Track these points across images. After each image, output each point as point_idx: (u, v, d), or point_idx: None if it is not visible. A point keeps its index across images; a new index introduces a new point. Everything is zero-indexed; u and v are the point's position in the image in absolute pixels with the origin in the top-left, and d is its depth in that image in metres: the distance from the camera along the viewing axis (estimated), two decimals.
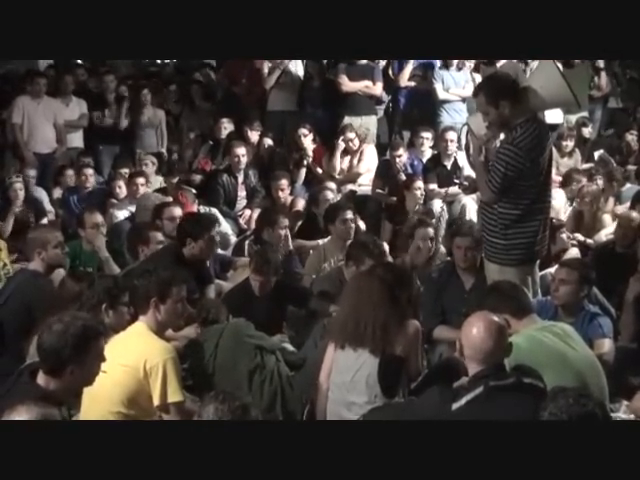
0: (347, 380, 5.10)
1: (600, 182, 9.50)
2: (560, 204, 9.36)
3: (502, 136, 6.12)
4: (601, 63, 12.14)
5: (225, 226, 8.90)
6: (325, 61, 11.72)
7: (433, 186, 9.69)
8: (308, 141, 10.69)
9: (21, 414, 3.53)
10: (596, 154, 11.04)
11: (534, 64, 9.18)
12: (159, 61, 16.40)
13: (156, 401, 4.85)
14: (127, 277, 6.02)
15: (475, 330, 4.36)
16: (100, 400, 4.77)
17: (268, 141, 10.98)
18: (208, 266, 7.34)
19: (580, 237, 8.61)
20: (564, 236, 7.96)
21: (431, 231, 7.42)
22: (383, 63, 11.60)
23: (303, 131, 10.68)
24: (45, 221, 9.01)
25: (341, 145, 10.40)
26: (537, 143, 5.92)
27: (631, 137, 11.33)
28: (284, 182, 9.68)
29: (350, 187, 10.22)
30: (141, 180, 9.49)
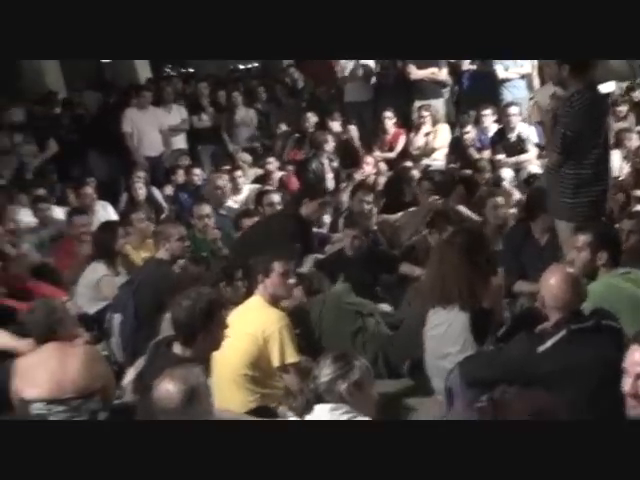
0: (441, 333, 5.13)
1: None
2: (616, 164, 9.28)
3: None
4: None
5: None
6: None
7: (501, 156, 9.68)
8: (391, 123, 10.80)
9: (171, 382, 3.66)
10: None
11: None
12: (242, 66, 16.60)
13: (275, 363, 5.00)
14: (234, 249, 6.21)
15: (554, 282, 4.40)
16: (228, 365, 4.93)
17: (352, 127, 11.12)
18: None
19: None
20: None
21: (500, 200, 7.40)
22: None
23: (388, 114, 10.78)
24: (163, 217, 9.20)
25: (423, 127, 10.48)
26: (594, 107, 5.87)
27: None
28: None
29: (426, 162, 10.27)
30: (239, 173, 9.72)
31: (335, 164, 10.15)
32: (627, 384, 3.28)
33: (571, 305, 4.36)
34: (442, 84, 11.40)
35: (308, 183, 8.33)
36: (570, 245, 5.35)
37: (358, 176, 9.59)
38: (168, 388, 3.62)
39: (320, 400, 3.72)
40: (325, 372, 3.76)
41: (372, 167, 9.92)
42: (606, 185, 6.00)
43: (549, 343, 4.33)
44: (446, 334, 5.11)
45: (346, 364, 3.77)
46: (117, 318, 5.94)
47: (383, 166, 10.20)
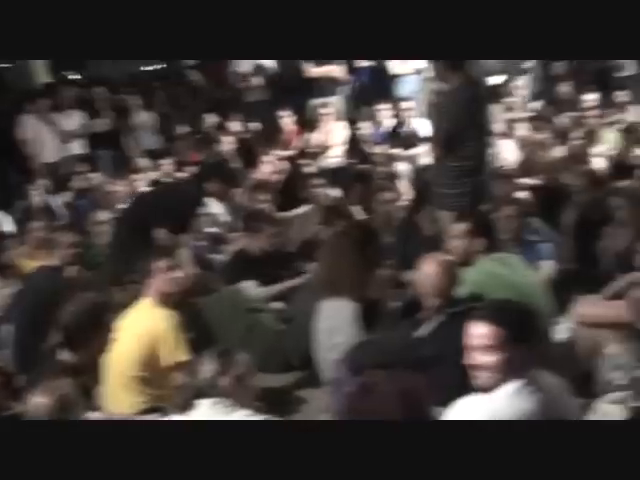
0: (331, 324, 5.23)
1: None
2: (510, 153, 9.56)
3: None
4: None
5: (217, 207, 9.06)
6: None
7: (396, 151, 9.90)
8: (289, 122, 10.95)
9: (41, 394, 3.71)
10: (535, 105, 11.26)
11: None
12: (143, 68, 16.51)
13: (166, 362, 5.04)
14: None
15: (429, 270, 4.59)
16: (118, 368, 4.96)
17: (252, 126, 11.21)
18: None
19: (529, 180, 8.75)
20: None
21: (389, 194, 7.59)
22: None
23: (286, 113, 10.92)
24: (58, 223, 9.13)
25: (321, 124, 10.62)
26: (473, 101, 6.09)
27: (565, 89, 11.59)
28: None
29: (324, 159, 10.42)
30: (138, 176, 9.74)
31: (234, 164, 10.23)
32: (470, 357, 3.51)
33: (446, 291, 4.57)
34: (338, 81, 11.57)
35: (219, 164, 8.38)
36: (450, 234, 5.55)
37: (256, 175, 9.68)
38: (38, 400, 3.68)
39: (204, 395, 3.82)
40: (207, 368, 3.87)
41: (270, 166, 10.01)
42: (485, 175, 6.22)
43: (427, 328, 4.53)
44: (335, 325, 5.21)
45: (227, 359, 3.89)
46: (8, 329, 5.91)
47: (281, 165, 10.31)
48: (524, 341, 3.46)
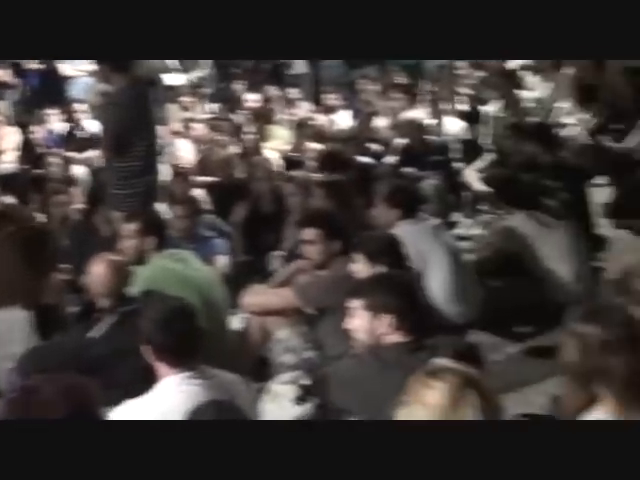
0: (4, 334, 5.02)
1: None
2: (187, 152, 9.73)
3: None
4: None
5: None
6: None
7: (72, 154, 9.77)
8: None
9: None
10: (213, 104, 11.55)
11: None
12: None
13: None
14: None
15: (98, 270, 4.63)
16: None
17: None
18: None
19: (205, 178, 8.94)
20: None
21: (65, 197, 7.52)
22: None
23: None
24: None
25: None
26: (136, 102, 6.17)
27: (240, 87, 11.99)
28: None
29: None
30: None
31: None
32: None
33: (116, 290, 4.61)
34: (6, 85, 11.22)
35: None
36: (121, 234, 5.59)
37: None
38: None
39: None
40: None
41: None
42: (155, 175, 6.33)
43: (100, 328, 4.55)
44: (10, 335, 5.09)
45: None
46: None
47: None
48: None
